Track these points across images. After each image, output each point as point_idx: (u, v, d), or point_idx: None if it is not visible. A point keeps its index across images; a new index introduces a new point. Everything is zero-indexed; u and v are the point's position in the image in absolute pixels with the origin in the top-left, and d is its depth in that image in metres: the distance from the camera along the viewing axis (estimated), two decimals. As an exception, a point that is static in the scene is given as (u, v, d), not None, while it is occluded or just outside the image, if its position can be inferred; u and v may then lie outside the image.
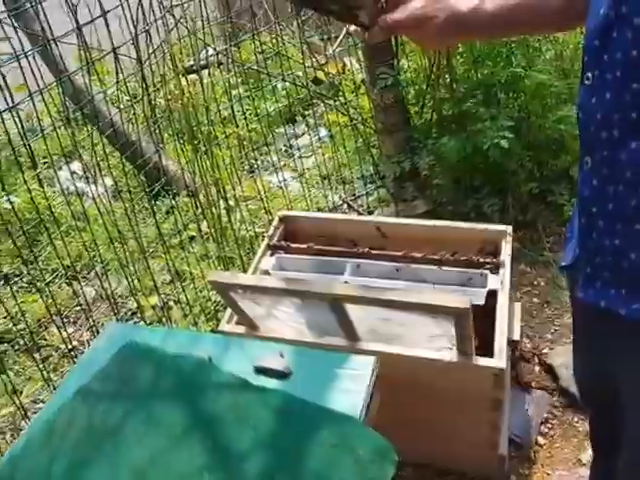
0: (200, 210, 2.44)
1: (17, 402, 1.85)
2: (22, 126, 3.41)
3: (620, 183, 0.86)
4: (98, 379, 1.44)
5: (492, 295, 1.82)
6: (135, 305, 2.47)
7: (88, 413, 1.37)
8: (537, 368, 2.19)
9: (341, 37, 3.51)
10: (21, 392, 2.30)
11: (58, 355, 2.46)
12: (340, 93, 3.02)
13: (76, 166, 3.73)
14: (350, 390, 1.32)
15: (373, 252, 1.94)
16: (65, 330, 2.23)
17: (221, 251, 2.32)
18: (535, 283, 2.49)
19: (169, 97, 2.53)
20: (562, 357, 2.17)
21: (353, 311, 1.57)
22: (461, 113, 2.38)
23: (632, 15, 0.75)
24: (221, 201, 2.33)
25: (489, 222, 2.12)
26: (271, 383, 1.37)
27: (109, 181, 3.28)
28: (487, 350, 1.65)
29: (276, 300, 1.63)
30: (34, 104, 2.05)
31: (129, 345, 1.49)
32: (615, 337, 1.00)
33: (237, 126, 3.05)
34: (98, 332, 2.19)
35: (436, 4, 0.99)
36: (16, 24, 2.95)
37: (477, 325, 1.56)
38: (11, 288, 2.26)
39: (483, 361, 1.61)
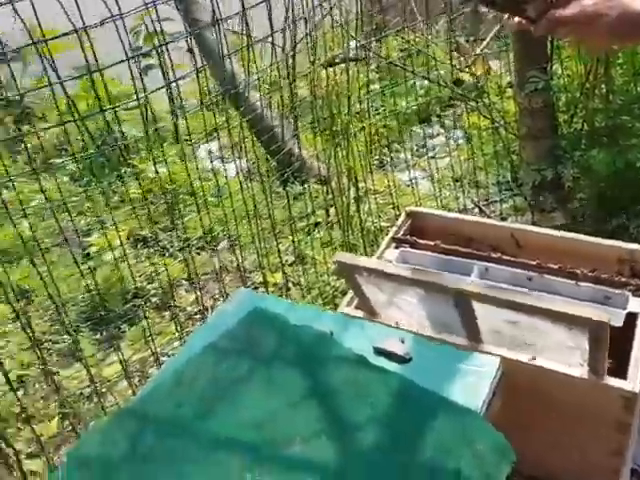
0: (330, 197, 2.48)
1: (152, 349, 1.98)
2: (172, 103, 3.64)
3: None
4: (225, 338, 1.51)
5: (630, 319, 1.70)
6: (259, 280, 2.56)
7: (214, 368, 1.44)
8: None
9: (488, 39, 3.43)
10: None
11: (184, 316, 2.61)
12: (484, 95, 2.95)
13: (213, 146, 3.93)
14: (472, 385, 1.30)
15: (505, 258, 1.88)
16: (199, 291, 2.37)
17: (346, 239, 2.35)
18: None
19: (314, 84, 2.59)
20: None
21: (478, 311, 1.53)
22: (615, 126, 2.25)
23: None
24: (351, 190, 2.36)
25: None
26: (390, 366, 1.37)
27: (243, 163, 3.43)
28: (619, 375, 1.55)
29: (400, 289, 1.62)
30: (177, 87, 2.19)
31: (256, 311, 1.55)
32: None
33: (371, 121, 3.08)
34: (226, 298, 2.30)
35: (608, 2, 0.95)
36: (179, 7, 3.16)
37: (611, 348, 1.47)
38: (148, 251, 2.45)
39: (615, 382, 1.52)
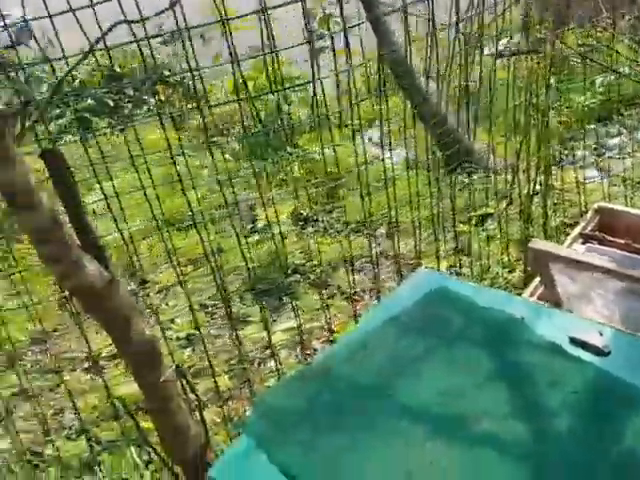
0: (511, 188, 2.42)
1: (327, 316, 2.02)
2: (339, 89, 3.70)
3: None
4: (407, 313, 1.51)
5: None
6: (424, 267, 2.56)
7: (395, 341, 1.45)
8: None
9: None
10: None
11: (341, 297, 2.68)
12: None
13: (375, 134, 3.97)
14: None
15: None
16: (354, 274, 2.41)
17: (524, 233, 2.28)
18: None
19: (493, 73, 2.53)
20: None
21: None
22: None
23: None
24: (535, 184, 2.29)
25: None
26: (587, 357, 1.32)
27: (410, 152, 3.43)
28: None
29: (595, 282, 1.55)
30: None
31: (440, 289, 1.55)
32: None
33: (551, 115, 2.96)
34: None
35: None
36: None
37: None
38: (309, 230, 2.51)
39: None
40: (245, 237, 2.80)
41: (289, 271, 2.93)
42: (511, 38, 2.79)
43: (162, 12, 1.35)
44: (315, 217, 3.22)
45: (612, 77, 3.18)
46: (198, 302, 2.87)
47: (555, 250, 1.51)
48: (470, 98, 2.77)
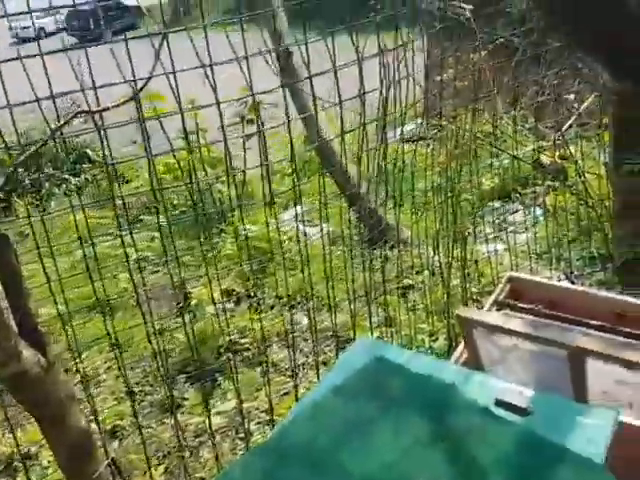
0: (421, 263, 2.63)
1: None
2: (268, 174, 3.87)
3: None
4: (352, 382, 1.63)
5: None
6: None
7: (342, 412, 1.55)
8: None
9: (569, 123, 3.62)
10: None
11: (277, 372, 2.74)
12: (569, 176, 3.11)
13: (299, 209, 4.15)
14: (591, 438, 1.38)
15: (608, 326, 1.97)
16: (290, 350, 2.49)
17: (445, 302, 2.48)
18: None
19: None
20: None
21: (589, 369, 1.62)
22: None
23: None
24: (449, 257, 2.51)
25: None
26: (511, 417, 1.46)
27: (331, 227, 3.62)
28: None
29: (512, 346, 1.73)
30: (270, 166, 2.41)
31: (380, 359, 1.68)
32: None
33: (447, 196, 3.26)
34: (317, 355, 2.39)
35: None
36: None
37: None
38: (240, 306, 2.59)
39: None
40: (176, 317, 2.83)
41: (224, 350, 2.96)
42: (421, 124, 3.08)
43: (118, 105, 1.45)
44: (249, 293, 3.30)
45: (507, 160, 3.55)
46: (123, 390, 2.82)
47: (478, 317, 1.68)
48: (388, 178, 3.02)
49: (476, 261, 2.84)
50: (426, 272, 2.57)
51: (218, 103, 2.06)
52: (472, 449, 1.40)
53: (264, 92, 2.39)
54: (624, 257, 2.46)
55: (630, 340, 1.93)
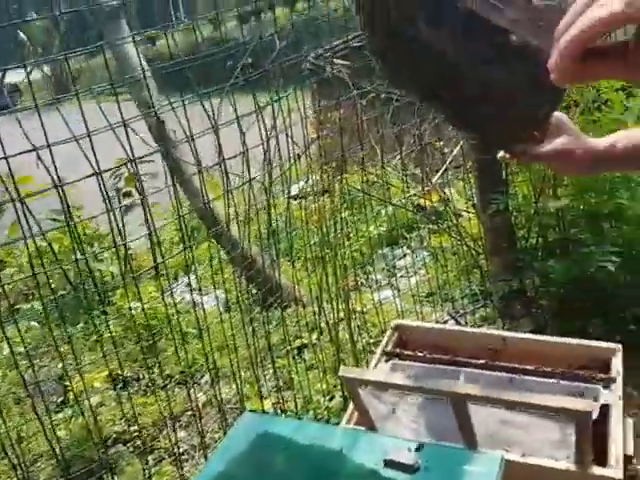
0: (315, 319, 2.61)
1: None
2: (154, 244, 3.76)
3: None
4: (235, 465, 1.55)
5: (602, 411, 1.83)
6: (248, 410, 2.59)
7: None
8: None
9: (442, 171, 3.80)
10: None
11: (170, 460, 2.57)
12: (446, 218, 3.24)
13: (191, 278, 4.05)
14: (479, 484, 1.37)
15: (489, 363, 2.01)
16: (181, 431, 2.37)
17: (330, 360, 2.45)
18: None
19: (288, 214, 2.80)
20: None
21: (473, 414, 1.63)
22: (566, 239, 2.51)
23: None
24: (335, 312, 2.50)
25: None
26: (401, 477, 1.44)
27: (222, 294, 3.54)
28: (599, 462, 1.65)
29: (399, 399, 1.72)
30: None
31: (264, 435, 1.61)
32: None
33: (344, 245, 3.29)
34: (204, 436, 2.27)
35: (577, 141, 1.18)
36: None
37: (589, 438, 1.58)
38: (128, 391, 2.43)
39: (600, 470, 1.61)
40: (56, 412, 2.63)
41: (109, 442, 2.76)
42: (307, 180, 3.11)
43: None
44: (135, 376, 3.13)
45: (391, 208, 3.66)
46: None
47: (360, 375, 1.66)
48: (273, 239, 3.00)
49: (363, 312, 2.85)
50: (315, 331, 2.54)
51: (98, 174, 1.99)
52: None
53: (142, 159, 2.34)
54: (500, 292, 2.57)
55: (512, 375, 1.99)
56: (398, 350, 2.17)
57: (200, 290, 3.65)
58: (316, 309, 2.72)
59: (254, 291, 3.12)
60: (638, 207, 2.46)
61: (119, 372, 2.79)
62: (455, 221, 3.14)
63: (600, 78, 0.61)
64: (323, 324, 2.57)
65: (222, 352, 2.57)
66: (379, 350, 2.18)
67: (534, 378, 1.97)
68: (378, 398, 1.73)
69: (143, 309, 2.41)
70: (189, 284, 3.80)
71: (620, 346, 2.02)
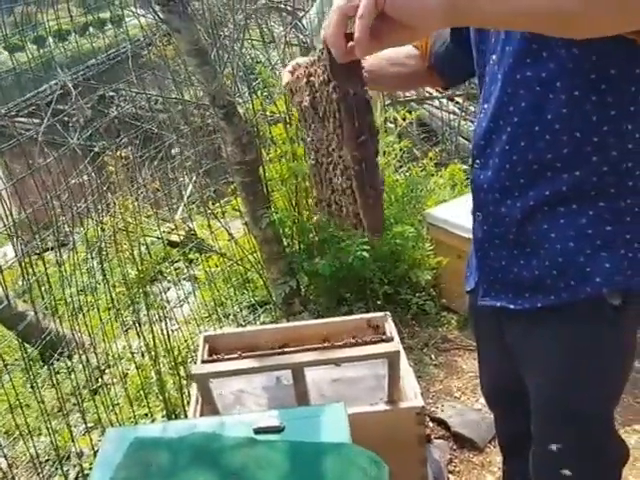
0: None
1: None
2: None
3: (502, 226, 1.39)
4: (120, 470, 1.59)
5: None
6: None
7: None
8: (431, 424, 2.69)
9: (182, 205, 4.09)
10: None
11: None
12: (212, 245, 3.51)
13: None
14: (334, 429, 1.69)
15: (299, 348, 2.34)
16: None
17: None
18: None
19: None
20: (448, 411, 2.71)
21: (308, 378, 1.95)
22: (322, 239, 3.01)
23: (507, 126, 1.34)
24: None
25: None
26: (272, 437, 1.67)
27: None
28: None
29: (240, 384, 1.95)
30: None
31: (137, 440, 1.68)
32: (511, 328, 1.50)
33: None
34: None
35: None
36: None
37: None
38: None
39: (408, 403, 2.06)
40: None
41: None
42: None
43: None
44: None
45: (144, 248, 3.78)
46: None
47: (208, 369, 1.85)
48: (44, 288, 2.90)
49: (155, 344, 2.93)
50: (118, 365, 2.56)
51: None
52: (256, 476, 1.55)
53: None
54: (282, 294, 2.94)
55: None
56: (215, 356, 2.37)
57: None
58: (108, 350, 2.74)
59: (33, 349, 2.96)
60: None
61: None
62: (219, 247, 3.44)
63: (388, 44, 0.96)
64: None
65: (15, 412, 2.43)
66: (199, 361, 2.35)
67: (337, 350, 2.36)
68: (224, 388, 1.93)
69: None
70: None
71: (389, 313, 2.54)
